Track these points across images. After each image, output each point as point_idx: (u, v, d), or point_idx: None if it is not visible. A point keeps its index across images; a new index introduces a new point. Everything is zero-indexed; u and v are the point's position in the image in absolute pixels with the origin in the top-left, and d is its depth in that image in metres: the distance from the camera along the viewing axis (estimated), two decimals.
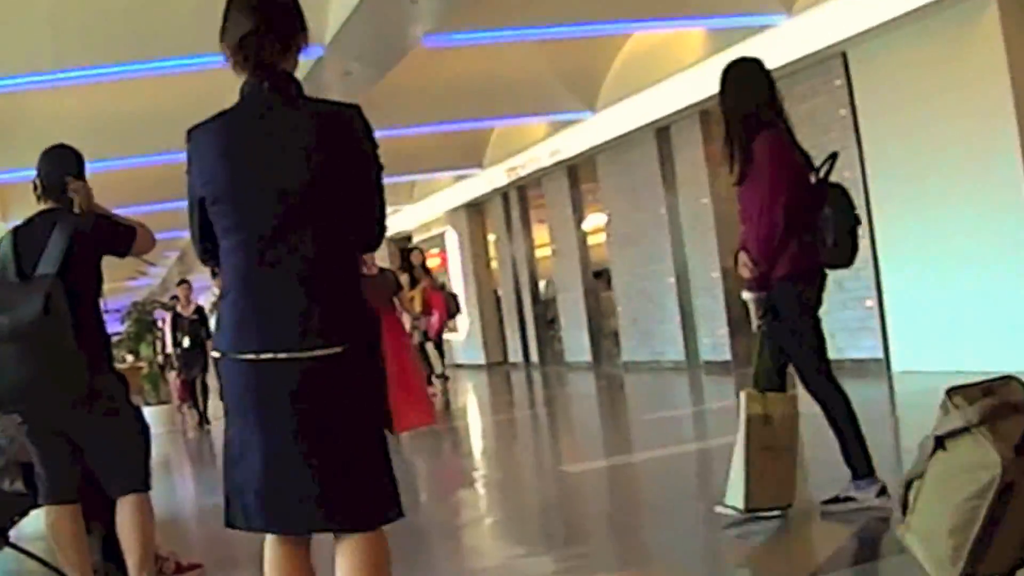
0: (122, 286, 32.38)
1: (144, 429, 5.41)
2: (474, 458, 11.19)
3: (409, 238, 27.34)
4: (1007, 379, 4.04)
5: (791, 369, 5.85)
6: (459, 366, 24.46)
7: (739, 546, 5.64)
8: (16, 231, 5.29)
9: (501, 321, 24.04)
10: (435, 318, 17.91)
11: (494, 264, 24.35)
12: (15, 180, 14.02)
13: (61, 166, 5.42)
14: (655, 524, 6.59)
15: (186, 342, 17.10)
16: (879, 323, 12.32)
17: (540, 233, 21.92)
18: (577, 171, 19.51)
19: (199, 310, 17.57)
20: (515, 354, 23.29)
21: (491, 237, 24.22)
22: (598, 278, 19.92)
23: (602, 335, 19.94)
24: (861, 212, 11.92)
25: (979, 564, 3.84)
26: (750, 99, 5.81)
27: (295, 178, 3.31)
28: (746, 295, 5.88)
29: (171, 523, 7.96)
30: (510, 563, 6.05)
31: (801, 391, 5.90)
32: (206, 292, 28.11)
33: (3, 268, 5.14)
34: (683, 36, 14.29)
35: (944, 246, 11.24)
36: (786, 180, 5.62)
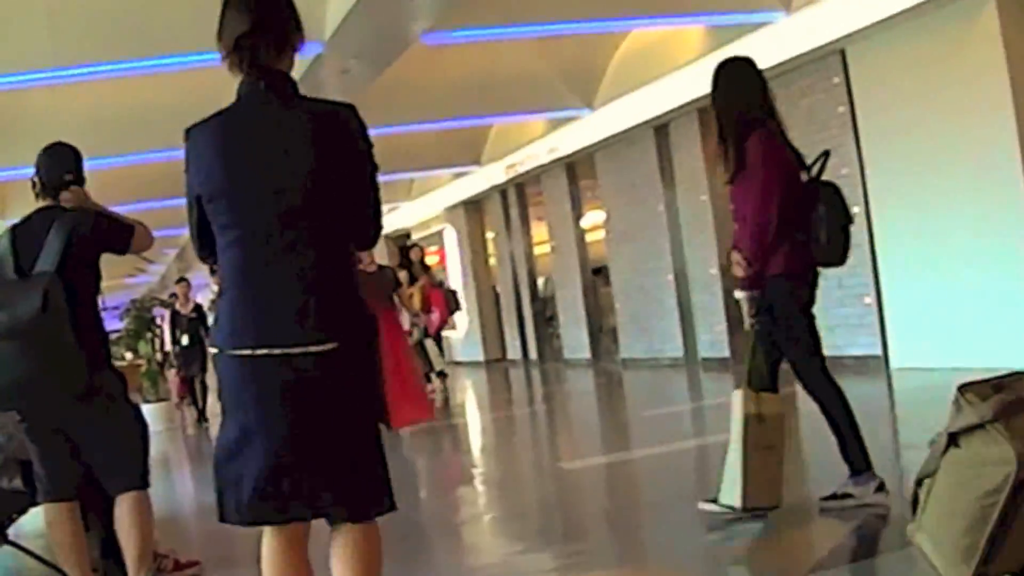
0: (121, 283, 32.40)
1: (143, 427, 5.41)
2: (473, 455, 11.19)
3: (408, 235, 27.31)
4: (1019, 375, 3.99)
5: (784, 368, 5.86)
6: (458, 363, 24.46)
7: (737, 543, 5.64)
8: (14, 229, 5.29)
9: (500, 318, 24.04)
10: (436, 315, 17.90)
11: (493, 261, 24.36)
12: (14, 178, 14.03)
13: (60, 164, 5.42)
14: (653, 521, 6.59)
15: (185, 340, 17.11)
16: (877, 320, 12.33)
17: (539, 230, 21.92)
18: (576, 168, 19.51)
19: (198, 308, 17.57)
20: (514, 351, 23.30)
21: (490, 234, 24.23)
22: (597, 275, 19.94)
23: (601, 332, 19.96)
24: (859, 209, 12.09)
25: (992, 563, 3.77)
26: (742, 98, 5.82)
27: (291, 176, 3.35)
28: (739, 294, 5.88)
29: (170, 520, 7.96)
30: (509, 560, 6.06)
31: (798, 388, 5.91)
32: (204, 289, 28.12)
33: (1, 266, 5.15)
34: (682, 33, 14.30)
35: (942, 243, 11.25)
36: (779, 179, 5.63)
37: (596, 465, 8.97)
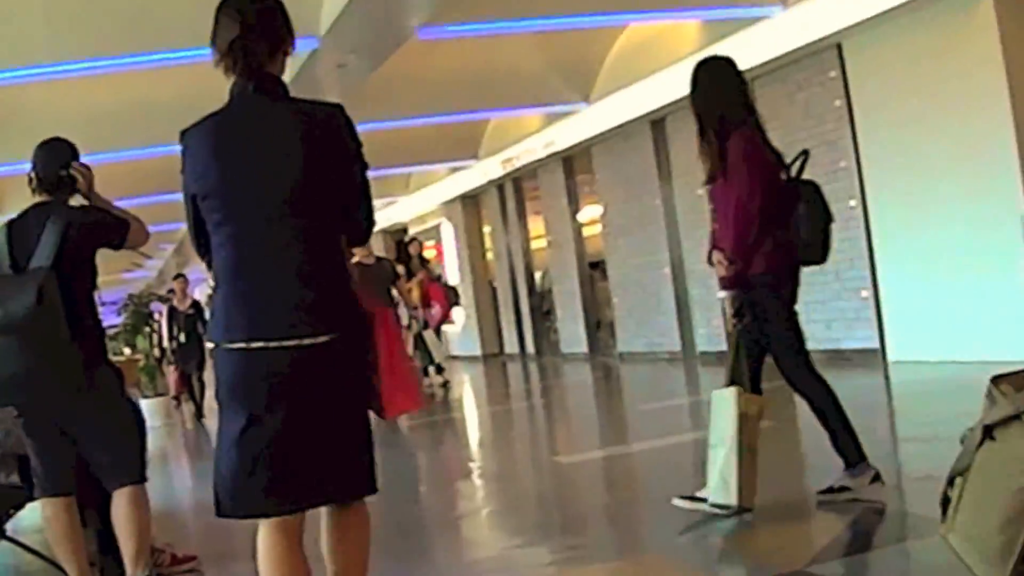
0: (118, 278, 32.36)
1: (140, 422, 5.42)
2: (471, 449, 11.20)
3: (405, 230, 27.32)
4: None
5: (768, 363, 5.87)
6: (455, 357, 24.46)
7: (735, 536, 5.65)
8: (10, 224, 5.30)
9: (497, 312, 24.03)
10: (437, 309, 17.92)
11: (490, 256, 24.34)
12: (10, 173, 14.01)
13: (56, 159, 5.43)
14: (651, 514, 6.59)
15: (182, 337, 17.11)
16: (875, 313, 12.33)
17: (536, 225, 21.91)
18: (572, 162, 19.51)
19: (195, 304, 17.58)
20: (511, 345, 23.30)
21: (487, 229, 24.21)
22: (594, 269, 19.94)
23: (598, 326, 19.97)
24: (856, 202, 12.10)
25: None
26: (723, 98, 5.84)
27: (282, 175, 3.47)
28: (721, 293, 5.90)
29: (167, 515, 7.97)
30: (506, 553, 6.07)
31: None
32: (202, 284, 28.11)
33: None
34: (678, 28, 14.29)
35: (939, 236, 11.25)
36: (760, 178, 5.64)
37: (593, 459, 8.98)
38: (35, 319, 4.91)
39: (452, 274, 24.50)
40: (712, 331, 15.52)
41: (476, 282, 24.39)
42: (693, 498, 5.81)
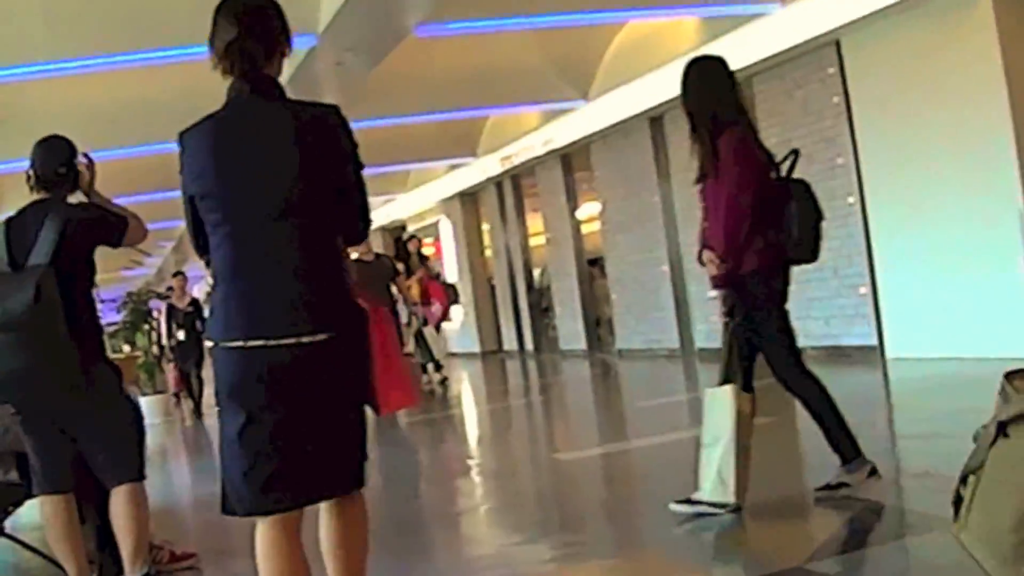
0: (118, 276, 32.38)
1: (138, 419, 5.43)
2: (469, 446, 11.21)
3: (403, 227, 27.33)
4: None
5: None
6: (454, 354, 24.46)
7: (733, 534, 5.65)
8: (8, 222, 5.30)
9: (496, 309, 24.04)
10: (436, 307, 17.93)
11: (488, 253, 24.34)
12: (9, 171, 14.01)
13: (55, 157, 5.43)
14: (649, 511, 6.59)
15: (181, 334, 17.11)
16: (873, 310, 12.33)
17: (534, 222, 21.90)
18: (571, 160, 19.50)
19: (194, 302, 17.57)
20: (510, 342, 23.30)
21: (485, 226, 24.20)
22: (592, 266, 19.94)
23: (597, 323, 19.97)
24: (855, 199, 12.09)
25: None
26: (715, 98, 5.83)
27: (279, 176, 3.52)
28: (713, 292, 5.90)
29: (166, 512, 7.98)
30: (505, 550, 6.07)
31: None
32: (200, 282, 28.10)
33: None
34: (677, 25, 14.28)
35: (938, 233, 11.25)
36: (751, 177, 5.65)
37: (592, 456, 8.99)
38: (33, 316, 4.91)
39: (451, 271, 24.50)
40: (711, 328, 15.49)
41: (475, 279, 24.39)
42: (690, 501, 5.80)
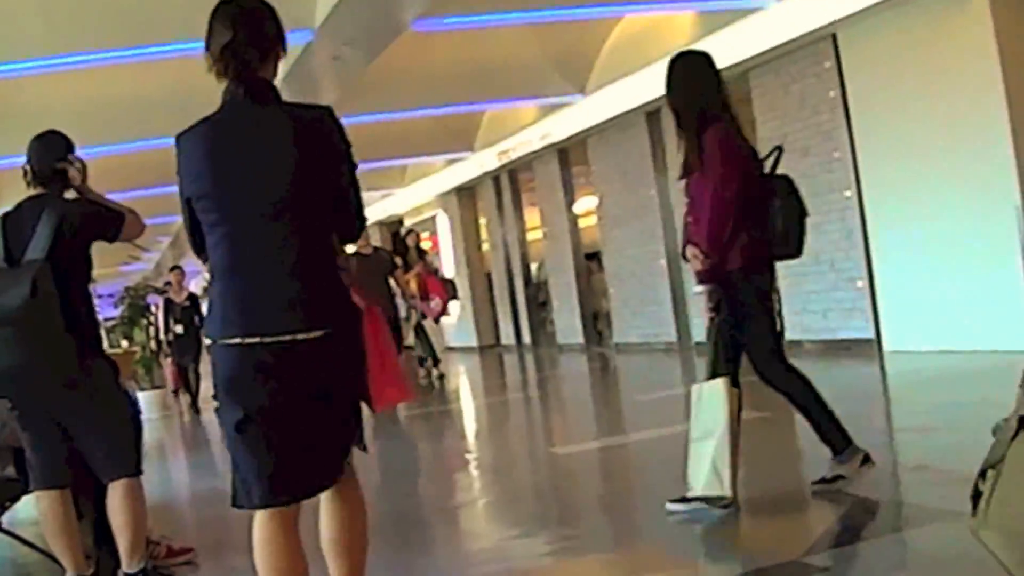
0: (116, 271, 32.35)
1: (135, 414, 5.44)
2: (467, 440, 11.22)
3: (401, 222, 27.32)
4: None
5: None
6: (451, 349, 24.48)
7: (730, 528, 5.65)
8: (5, 217, 5.30)
9: (493, 304, 24.05)
10: (435, 303, 17.94)
11: (486, 247, 24.34)
12: (5, 166, 14.00)
13: (51, 152, 5.43)
14: (646, 505, 6.60)
15: (179, 329, 17.11)
16: (870, 303, 12.34)
17: (531, 216, 21.90)
18: (568, 154, 19.50)
19: (192, 297, 17.56)
20: (507, 336, 23.32)
21: (482, 220, 24.20)
22: (590, 260, 19.95)
23: (594, 317, 19.98)
24: (851, 193, 12.10)
25: None
26: (700, 94, 5.82)
27: (274, 177, 3.57)
28: (697, 288, 5.90)
29: (164, 507, 7.98)
30: (502, 544, 6.07)
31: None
32: (198, 276, 28.09)
33: None
34: (673, 19, 14.28)
35: (935, 226, 11.26)
36: (736, 173, 5.65)
37: (590, 450, 8.98)
38: (29, 311, 4.91)
39: (448, 266, 24.50)
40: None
41: (472, 274, 24.40)
42: (685, 499, 5.80)
